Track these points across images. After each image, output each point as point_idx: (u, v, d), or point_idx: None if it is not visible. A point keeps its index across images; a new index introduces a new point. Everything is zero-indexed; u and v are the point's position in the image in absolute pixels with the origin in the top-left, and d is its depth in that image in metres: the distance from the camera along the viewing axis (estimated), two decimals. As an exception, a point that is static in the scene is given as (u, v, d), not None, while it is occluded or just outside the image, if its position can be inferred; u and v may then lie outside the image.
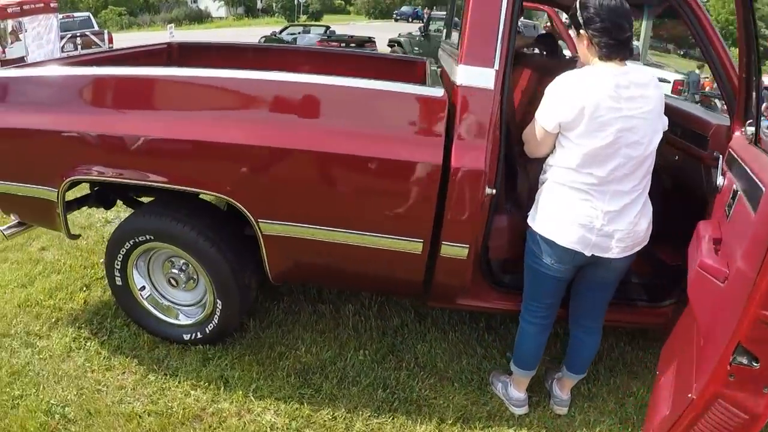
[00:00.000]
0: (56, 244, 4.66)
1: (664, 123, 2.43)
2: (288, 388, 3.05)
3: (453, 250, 2.72)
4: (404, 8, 61.25)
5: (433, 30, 19.69)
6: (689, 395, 2.06)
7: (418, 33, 20.54)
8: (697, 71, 11.02)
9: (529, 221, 2.61)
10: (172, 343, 3.33)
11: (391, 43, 21.70)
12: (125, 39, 24.24)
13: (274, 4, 66.09)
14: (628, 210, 2.40)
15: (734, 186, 2.29)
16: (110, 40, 18.02)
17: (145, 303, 3.31)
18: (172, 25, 22.42)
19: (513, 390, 3.02)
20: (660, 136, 2.40)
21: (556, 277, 2.61)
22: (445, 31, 4.45)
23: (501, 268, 3.16)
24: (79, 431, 2.77)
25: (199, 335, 3.25)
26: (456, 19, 3.98)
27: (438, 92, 2.59)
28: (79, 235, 3.65)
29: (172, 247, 3.07)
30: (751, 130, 2.45)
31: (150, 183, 2.88)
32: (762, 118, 2.53)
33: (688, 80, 10.83)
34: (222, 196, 2.77)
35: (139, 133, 2.76)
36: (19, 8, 12.97)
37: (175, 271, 3.24)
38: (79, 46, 16.43)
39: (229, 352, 3.29)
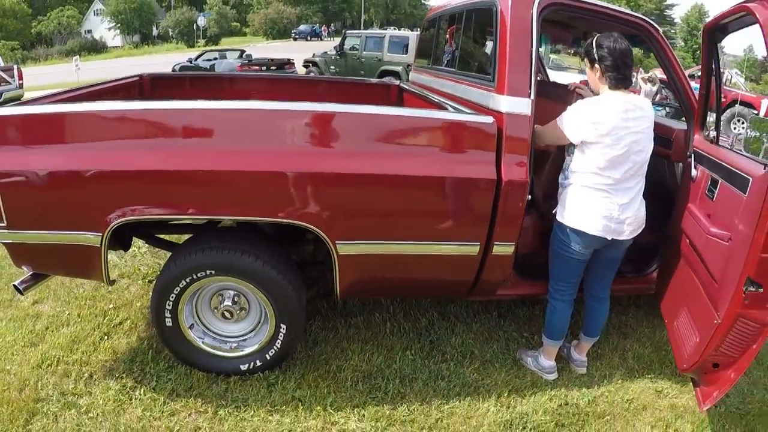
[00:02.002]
0: (50, 295, 4.38)
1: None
2: (360, 396, 3.30)
3: (502, 248, 3.19)
4: (302, 27, 62.28)
5: (348, 48, 20.05)
6: (715, 321, 2.74)
7: (334, 52, 20.78)
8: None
9: (558, 218, 3.20)
10: (228, 376, 3.39)
11: (307, 63, 21.91)
12: (31, 74, 21.76)
13: (170, 30, 64.28)
14: (634, 201, 3.08)
15: (711, 176, 3.07)
16: (20, 76, 16.25)
17: (201, 344, 3.36)
18: (78, 57, 20.56)
19: (544, 360, 3.55)
20: (653, 143, 3.10)
21: (581, 260, 3.23)
22: (433, 57, 4.93)
23: (525, 261, 3.63)
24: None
25: (258, 363, 3.36)
26: (448, 49, 4.46)
27: (489, 119, 3.03)
28: (115, 281, 3.58)
29: (233, 279, 3.16)
30: (712, 133, 3.29)
31: (216, 217, 3.02)
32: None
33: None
34: (300, 223, 2.95)
35: (210, 167, 2.84)
36: None
37: (228, 303, 3.31)
38: None
39: (289, 375, 3.43)
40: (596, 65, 3.04)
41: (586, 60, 3.13)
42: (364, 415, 3.16)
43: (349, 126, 3.02)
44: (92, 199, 2.91)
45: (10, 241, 3.04)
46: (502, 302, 4.32)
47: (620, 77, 2.99)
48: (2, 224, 2.95)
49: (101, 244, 2.97)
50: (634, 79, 3.37)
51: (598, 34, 3.08)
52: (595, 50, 3.03)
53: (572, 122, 3.03)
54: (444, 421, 3.15)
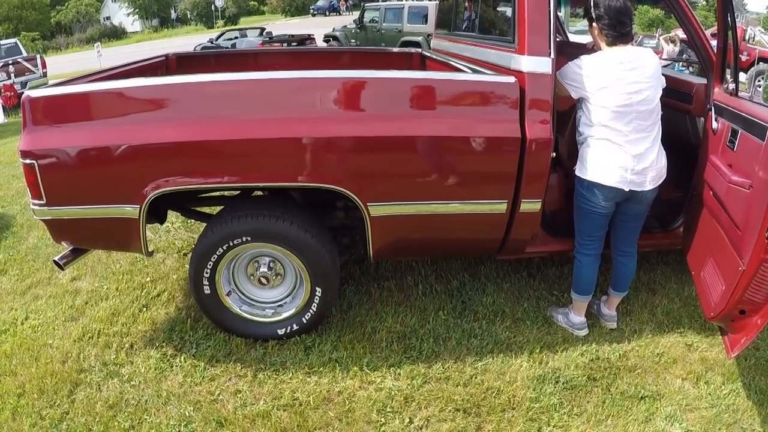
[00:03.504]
0: (88, 272, 4.53)
1: (662, 82, 3.18)
2: (395, 356, 3.38)
3: (529, 206, 3.23)
4: (320, 2, 61.13)
5: (367, 21, 20.27)
6: (739, 268, 2.76)
7: (353, 26, 21.03)
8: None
9: (578, 173, 3.26)
10: (266, 340, 3.49)
11: (327, 38, 22.21)
12: (54, 63, 22.27)
13: (188, 13, 65.02)
14: (649, 151, 3.12)
15: (732, 127, 3.09)
16: (43, 65, 16.75)
17: (239, 311, 3.47)
18: (99, 44, 20.91)
19: (574, 316, 3.60)
20: (660, 92, 3.15)
21: (603, 213, 3.28)
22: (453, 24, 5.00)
23: (552, 219, 3.67)
24: (216, 443, 2.91)
25: (295, 327, 3.46)
26: (468, 14, 4.51)
27: (511, 79, 3.07)
28: (153, 252, 3.68)
29: (269, 245, 3.25)
30: (732, 86, 3.30)
31: (250, 184, 3.13)
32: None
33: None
34: (332, 187, 3.03)
35: (241, 136, 2.93)
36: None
37: (264, 269, 3.40)
38: (12, 74, 15.32)
39: (325, 338, 3.53)
40: (594, 24, 3.13)
41: (587, 19, 3.21)
42: (400, 374, 3.25)
43: (377, 91, 3.09)
44: (129, 172, 3.00)
45: (50, 217, 3.14)
46: (531, 262, 4.38)
47: (616, 35, 3.07)
48: (42, 202, 3.06)
49: (139, 217, 3.06)
50: (655, 41, 3.37)
51: None
52: (592, 9, 3.11)
53: (569, 75, 3.15)
54: (478, 378, 3.23)
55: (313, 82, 3.08)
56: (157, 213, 3.56)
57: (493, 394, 3.11)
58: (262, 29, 25.08)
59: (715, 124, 3.31)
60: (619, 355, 3.41)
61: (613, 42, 3.08)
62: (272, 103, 2.99)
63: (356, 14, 22.09)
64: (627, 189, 3.12)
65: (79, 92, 3.07)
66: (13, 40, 18.64)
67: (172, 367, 3.36)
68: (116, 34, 61.54)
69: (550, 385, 3.17)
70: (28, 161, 2.96)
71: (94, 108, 3.02)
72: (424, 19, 17.67)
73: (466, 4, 4.64)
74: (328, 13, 57.98)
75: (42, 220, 3.20)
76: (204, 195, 3.72)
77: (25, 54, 17.47)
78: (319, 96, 3.05)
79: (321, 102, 3.05)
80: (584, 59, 3.12)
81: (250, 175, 3.04)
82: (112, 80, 3.32)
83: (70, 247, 3.39)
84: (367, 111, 3.06)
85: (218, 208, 3.60)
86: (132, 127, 2.95)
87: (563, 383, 3.18)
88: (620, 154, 3.08)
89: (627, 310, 3.82)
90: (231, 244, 3.21)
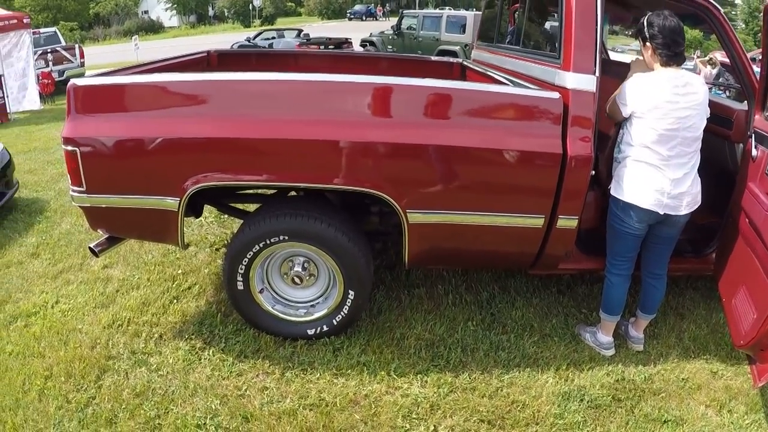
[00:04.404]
0: (120, 260, 4.62)
1: (708, 112, 3.16)
2: (422, 363, 3.40)
3: (566, 222, 3.23)
4: (357, 7, 62.23)
5: (405, 28, 20.46)
6: None
7: (391, 31, 21.26)
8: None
9: (613, 192, 3.26)
10: (295, 340, 3.52)
11: (364, 42, 22.46)
12: (91, 53, 22.59)
13: (226, 11, 66.42)
14: (687, 177, 3.12)
15: None
16: (81, 55, 17.11)
17: (271, 309, 3.50)
18: (137, 37, 21.29)
19: (602, 336, 3.59)
20: (705, 122, 3.13)
21: (636, 234, 3.28)
22: (496, 35, 5.02)
23: (587, 236, 3.68)
24: (241, 438, 2.93)
25: (325, 328, 3.49)
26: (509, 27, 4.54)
27: (556, 95, 3.09)
28: (189, 245, 3.72)
29: (305, 245, 3.28)
30: None
31: (290, 184, 3.16)
32: None
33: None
34: (374, 192, 3.06)
35: (285, 135, 2.97)
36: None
37: (299, 269, 3.44)
38: (51, 63, 15.57)
39: (354, 341, 3.56)
40: (648, 43, 3.11)
41: (639, 38, 3.20)
42: (426, 382, 3.26)
43: (423, 99, 3.11)
44: (171, 165, 3.05)
45: (89, 205, 3.20)
46: (561, 279, 4.39)
47: (671, 54, 3.05)
48: (81, 188, 3.12)
49: (179, 209, 3.11)
50: (692, 62, 3.34)
51: (649, 13, 3.12)
52: (646, 29, 3.10)
53: (623, 95, 3.14)
54: (504, 390, 3.23)
55: (359, 87, 3.11)
56: (194, 207, 3.60)
57: (518, 408, 3.12)
58: (300, 30, 25.23)
59: (754, 152, 3.29)
60: (645, 377, 3.40)
61: (667, 62, 3.06)
62: (318, 105, 3.03)
63: (393, 20, 22.24)
64: (662, 212, 3.13)
65: (126, 83, 3.13)
66: (52, 29, 18.97)
67: (200, 359, 3.41)
68: (153, 28, 62.53)
69: (574, 403, 3.16)
70: (70, 148, 3.02)
71: (141, 99, 3.08)
72: (462, 28, 17.74)
73: (510, 17, 4.67)
74: (364, 18, 58.53)
75: (80, 206, 3.26)
76: (241, 192, 3.76)
77: (63, 43, 17.75)
78: (366, 101, 3.09)
79: (367, 107, 3.09)
80: (638, 77, 3.11)
81: (291, 175, 3.07)
82: (158, 73, 3.37)
83: (106, 235, 3.45)
84: (413, 118, 3.07)
85: (251, 206, 3.63)
86: (178, 121, 3.00)
87: (588, 401, 3.18)
88: (658, 176, 3.08)
89: (654, 333, 3.80)
90: (268, 242, 3.24)
